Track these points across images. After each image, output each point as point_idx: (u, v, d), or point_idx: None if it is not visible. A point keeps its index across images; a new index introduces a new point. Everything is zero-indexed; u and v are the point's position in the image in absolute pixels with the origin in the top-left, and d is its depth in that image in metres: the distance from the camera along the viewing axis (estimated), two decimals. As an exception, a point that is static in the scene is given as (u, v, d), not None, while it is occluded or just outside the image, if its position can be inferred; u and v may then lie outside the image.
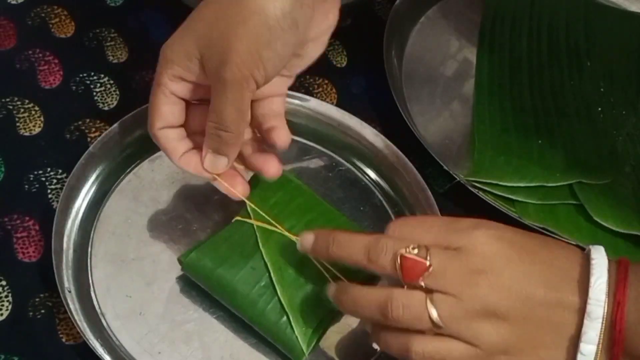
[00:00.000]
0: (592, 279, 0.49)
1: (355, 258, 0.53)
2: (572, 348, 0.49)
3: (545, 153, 0.75)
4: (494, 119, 0.77)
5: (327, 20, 0.60)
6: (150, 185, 0.68)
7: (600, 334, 0.48)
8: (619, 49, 0.86)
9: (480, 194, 0.70)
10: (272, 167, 0.61)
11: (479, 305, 0.49)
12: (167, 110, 0.58)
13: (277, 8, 0.54)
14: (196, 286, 0.62)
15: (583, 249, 0.52)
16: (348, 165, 0.71)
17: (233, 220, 0.63)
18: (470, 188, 0.70)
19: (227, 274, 0.60)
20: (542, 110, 0.79)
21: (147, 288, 0.62)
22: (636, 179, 0.75)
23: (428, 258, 0.50)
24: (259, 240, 0.61)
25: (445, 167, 0.70)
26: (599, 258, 0.50)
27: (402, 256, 0.50)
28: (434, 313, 0.49)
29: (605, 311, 0.48)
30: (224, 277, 0.60)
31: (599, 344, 0.48)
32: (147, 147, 0.69)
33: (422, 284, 0.50)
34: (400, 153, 0.70)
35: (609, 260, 0.50)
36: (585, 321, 0.48)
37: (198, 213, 0.66)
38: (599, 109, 0.80)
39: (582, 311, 0.49)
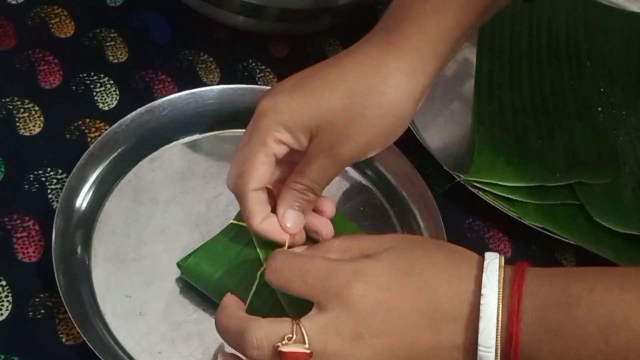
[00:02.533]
0: (481, 325, 0.47)
1: (231, 345, 0.52)
2: None
3: (545, 153, 0.75)
4: (494, 119, 0.77)
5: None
6: (150, 185, 0.68)
7: None
8: (619, 49, 0.86)
9: (480, 194, 0.70)
10: (328, 230, 0.60)
11: None
12: (266, 171, 0.57)
13: (405, 110, 0.56)
14: (195, 286, 0.62)
15: (482, 258, 0.50)
16: (349, 165, 0.71)
17: (229, 223, 0.63)
18: (470, 188, 0.70)
19: (225, 276, 0.60)
20: (542, 110, 0.78)
21: (147, 288, 0.62)
22: (636, 179, 0.75)
23: (307, 341, 0.48)
24: (255, 242, 0.61)
25: (445, 167, 0.70)
26: (489, 294, 0.48)
27: (281, 352, 0.48)
28: None
29: (498, 345, 0.47)
30: (222, 280, 0.60)
31: None
32: (147, 147, 0.69)
33: None
34: (400, 153, 0.70)
35: (505, 272, 0.49)
36: None
37: (198, 213, 0.66)
38: (599, 109, 0.80)
39: (472, 352, 0.48)
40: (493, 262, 0.49)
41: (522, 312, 0.47)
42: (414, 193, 0.68)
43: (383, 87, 0.56)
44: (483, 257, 0.50)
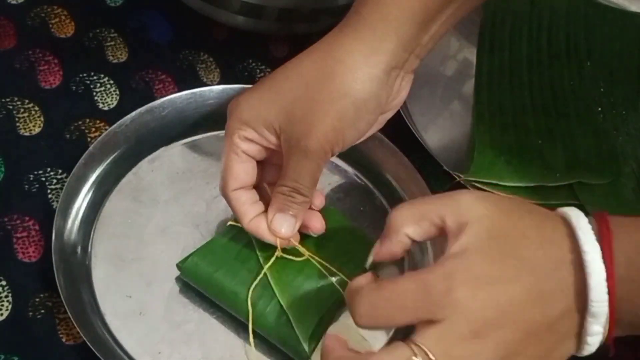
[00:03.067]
0: (591, 281, 0.47)
1: None
2: (578, 340, 0.49)
3: (545, 153, 0.75)
4: (494, 119, 0.77)
5: (398, 97, 0.60)
6: (150, 185, 0.68)
7: (606, 324, 0.48)
8: (619, 49, 0.86)
9: (480, 194, 0.70)
10: (317, 223, 0.61)
11: None
12: (240, 169, 0.58)
13: (365, 91, 0.55)
14: (195, 286, 0.62)
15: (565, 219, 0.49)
16: (348, 165, 0.71)
17: (227, 224, 0.63)
18: (470, 188, 0.70)
19: (225, 277, 0.60)
20: (542, 110, 0.78)
21: (147, 288, 0.62)
22: (636, 179, 0.75)
23: (431, 357, 0.46)
24: (254, 243, 0.61)
25: (445, 167, 0.70)
26: (592, 252, 0.47)
27: None
28: None
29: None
30: (222, 280, 0.60)
31: (604, 331, 0.48)
32: (147, 147, 0.69)
33: None
34: (400, 153, 0.70)
35: (594, 226, 0.48)
36: (589, 319, 0.48)
37: (198, 213, 0.66)
38: (599, 109, 0.80)
39: (581, 310, 0.48)
40: (581, 218, 0.48)
41: (615, 265, 0.47)
42: (414, 193, 0.68)
43: (337, 70, 0.55)
44: (560, 216, 0.49)
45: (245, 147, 0.57)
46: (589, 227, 0.48)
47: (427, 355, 0.46)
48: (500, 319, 0.47)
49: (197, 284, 0.61)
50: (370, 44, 0.55)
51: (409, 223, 0.50)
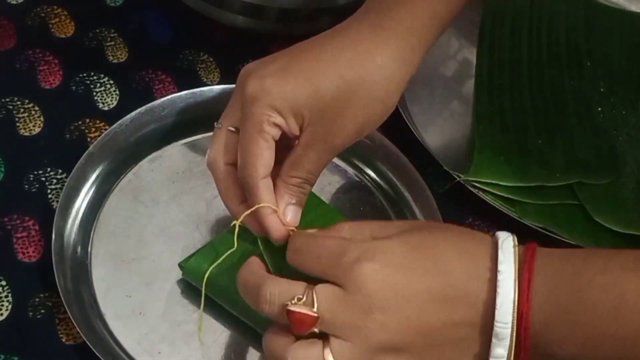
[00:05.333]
0: (498, 301, 0.47)
1: (247, 299, 0.53)
2: (480, 359, 0.49)
3: (545, 153, 0.75)
4: (494, 119, 0.77)
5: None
6: (150, 185, 0.68)
7: (510, 349, 0.48)
8: (619, 49, 0.86)
9: (480, 194, 0.70)
10: (290, 215, 0.59)
11: (374, 346, 0.48)
12: (269, 157, 0.56)
13: (395, 98, 0.58)
14: (196, 287, 0.62)
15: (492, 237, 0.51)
16: (348, 165, 0.71)
17: (232, 224, 0.62)
18: (470, 188, 0.70)
19: (227, 277, 0.60)
20: (542, 110, 0.78)
21: (147, 288, 0.62)
22: (636, 179, 0.75)
23: (315, 306, 0.48)
24: (259, 242, 0.61)
25: (445, 167, 0.70)
26: (505, 272, 0.47)
27: (288, 310, 0.49)
28: None
29: (514, 321, 0.47)
30: (224, 280, 0.60)
31: (509, 356, 0.48)
32: (147, 147, 0.69)
33: (316, 330, 0.49)
34: (400, 153, 0.70)
35: (517, 250, 0.49)
36: (494, 340, 0.48)
37: (198, 213, 0.66)
38: (599, 109, 0.80)
39: (485, 328, 0.48)
40: (507, 239, 0.49)
41: (532, 291, 0.47)
42: (414, 193, 0.68)
43: (375, 76, 0.56)
44: (492, 237, 0.50)
45: (274, 133, 0.56)
46: (513, 250, 0.49)
47: (313, 302, 0.49)
48: (393, 305, 0.48)
49: (199, 284, 0.61)
50: (405, 54, 0.57)
51: (345, 232, 0.54)
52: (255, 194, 0.56)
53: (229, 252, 0.60)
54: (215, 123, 0.59)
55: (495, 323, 0.47)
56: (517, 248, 0.49)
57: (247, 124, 0.56)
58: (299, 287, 0.50)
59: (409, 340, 0.48)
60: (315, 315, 0.48)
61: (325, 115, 0.56)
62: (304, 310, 0.49)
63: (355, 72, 0.56)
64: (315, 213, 0.63)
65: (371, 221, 0.55)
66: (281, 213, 0.57)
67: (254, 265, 0.54)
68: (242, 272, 0.54)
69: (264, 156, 0.56)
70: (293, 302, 0.49)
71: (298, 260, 0.52)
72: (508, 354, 0.48)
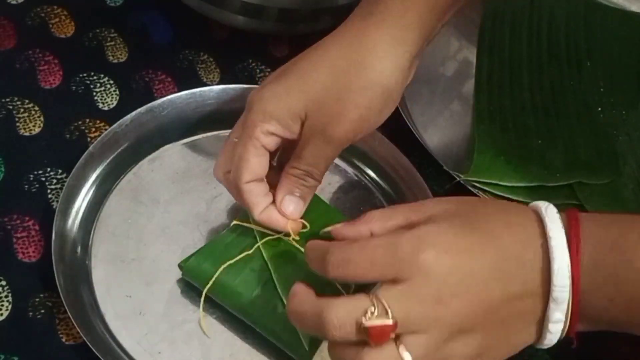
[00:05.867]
0: (555, 266, 0.48)
1: (308, 330, 0.52)
2: (540, 327, 0.50)
3: (545, 153, 0.75)
4: (494, 119, 0.77)
5: (408, 83, 0.61)
6: (150, 185, 0.68)
7: (567, 312, 0.48)
8: (619, 49, 0.86)
9: (480, 194, 0.70)
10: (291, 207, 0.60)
11: (447, 333, 0.48)
12: (257, 162, 0.57)
13: (393, 80, 0.56)
14: (196, 286, 0.62)
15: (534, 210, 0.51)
16: (348, 165, 0.71)
17: (232, 224, 0.62)
18: (470, 188, 0.70)
19: (227, 277, 0.60)
20: (542, 110, 0.79)
21: (147, 288, 0.62)
22: (636, 179, 0.75)
23: (389, 313, 0.47)
24: (259, 241, 0.61)
25: (445, 167, 0.70)
26: (557, 237, 0.48)
27: (367, 327, 0.47)
28: (408, 358, 0.47)
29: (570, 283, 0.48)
30: (224, 280, 0.60)
31: (565, 320, 0.49)
32: (147, 147, 0.69)
33: (393, 335, 0.48)
34: (400, 153, 0.70)
35: (561, 216, 0.49)
36: (552, 305, 0.48)
37: (198, 213, 0.66)
38: (599, 109, 0.80)
39: (544, 295, 0.48)
40: (550, 207, 0.50)
41: (580, 255, 0.48)
42: (414, 193, 0.68)
43: (366, 59, 0.56)
44: (529, 207, 0.51)
45: (265, 141, 0.57)
46: (557, 216, 0.49)
47: (385, 309, 0.47)
48: (461, 288, 0.48)
49: (199, 284, 0.61)
50: (396, 34, 0.56)
51: (377, 220, 0.52)
52: (239, 196, 0.58)
53: (243, 255, 0.61)
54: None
55: (553, 287, 0.48)
56: (560, 214, 0.49)
57: (241, 130, 0.57)
58: (362, 300, 0.48)
59: (478, 321, 0.48)
60: (393, 322, 0.47)
61: (322, 107, 0.56)
62: (381, 322, 0.47)
63: (344, 60, 0.56)
64: (315, 213, 0.64)
65: (399, 206, 0.54)
66: (279, 202, 0.58)
67: (302, 295, 0.51)
68: (291, 306, 0.51)
69: (251, 162, 0.57)
70: (367, 317, 0.47)
71: (347, 271, 0.49)
72: (565, 318, 0.48)
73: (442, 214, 0.50)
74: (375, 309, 0.47)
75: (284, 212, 0.58)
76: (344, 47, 0.56)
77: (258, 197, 0.58)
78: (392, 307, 0.47)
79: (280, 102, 0.56)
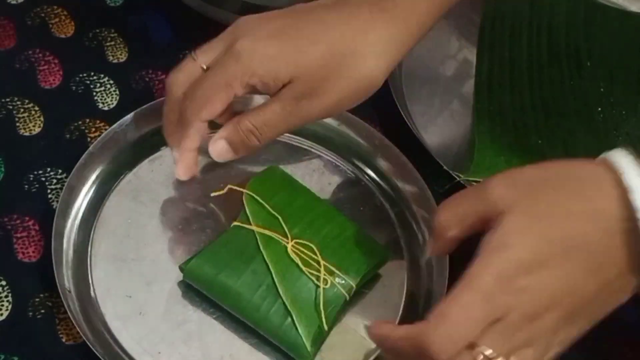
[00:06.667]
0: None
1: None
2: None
3: (545, 153, 0.75)
4: (494, 119, 0.77)
5: None
6: (150, 185, 0.68)
7: None
8: (619, 49, 0.86)
9: (480, 194, 0.70)
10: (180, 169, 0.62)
11: (553, 343, 0.48)
12: (220, 107, 0.58)
13: (381, 78, 0.58)
14: (196, 287, 0.62)
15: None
16: (348, 165, 0.71)
17: (232, 225, 0.62)
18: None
19: (228, 279, 0.60)
20: (542, 110, 0.78)
21: (147, 288, 0.62)
22: (636, 179, 0.75)
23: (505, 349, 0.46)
24: (260, 243, 0.61)
25: (445, 167, 0.70)
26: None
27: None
28: None
29: None
30: (225, 282, 0.60)
31: None
32: (147, 147, 0.69)
33: None
34: (400, 153, 0.70)
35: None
36: None
37: (198, 213, 0.66)
38: (599, 109, 0.80)
39: (636, 271, 0.47)
40: (632, 173, 0.46)
41: None
42: (414, 193, 0.68)
43: (366, 53, 0.57)
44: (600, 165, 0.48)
45: (240, 91, 0.57)
46: (633, 162, 0.47)
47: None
48: (551, 302, 0.47)
49: (199, 286, 0.61)
50: (400, 37, 0.58)
51: (452, 226, 0.51)
52: (187, 129, 0.58)
53: (244, 256, 0.61)
54: (191, 52, 0.59)
55: None
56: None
57: (218, 72, 0.57)
58: (465, 356, 0.46)
59: (580, 326, 0.48)
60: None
61: (307, 80, 0.56)
62: None
63: (345, 44, 0.56)
64: (315, 213, 0.64)
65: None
66: (213, 139, 0.59)
67: (388, 332, 0.49)
68: (385, 349, 0.50)
69: (216, 106, 0.57)
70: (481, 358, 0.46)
71: (458, 342, 0.46)
72: None
73: (514, 224, 0.47)
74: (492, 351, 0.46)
75: (212, 150, 0.59)
76: (348, 33, 0.57)
77: (197, 135, 0.59)
78: (498, 350, 0.46)
79: (270, 65, 0.56)
